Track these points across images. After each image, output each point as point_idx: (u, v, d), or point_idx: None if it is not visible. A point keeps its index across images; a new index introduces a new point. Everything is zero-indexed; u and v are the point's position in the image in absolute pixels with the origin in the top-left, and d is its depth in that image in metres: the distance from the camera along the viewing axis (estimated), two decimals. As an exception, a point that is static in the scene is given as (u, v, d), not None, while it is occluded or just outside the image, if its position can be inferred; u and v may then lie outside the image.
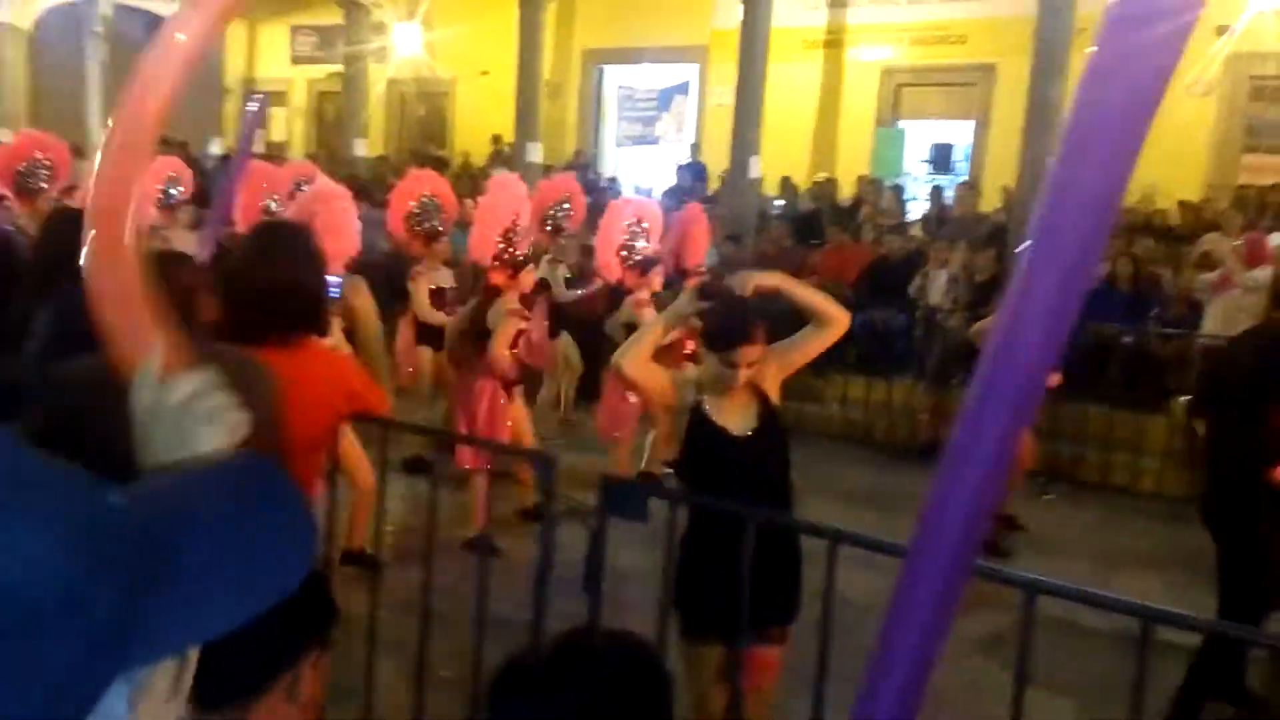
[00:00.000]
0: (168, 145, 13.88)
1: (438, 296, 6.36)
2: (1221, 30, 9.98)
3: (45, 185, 6.97)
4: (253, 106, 5.00)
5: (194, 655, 0.82)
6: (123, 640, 0.62)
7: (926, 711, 2.52)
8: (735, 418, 2.95)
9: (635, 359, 3.00)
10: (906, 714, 1.13)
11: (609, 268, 6.09)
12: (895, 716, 1.13)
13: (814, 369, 7.84)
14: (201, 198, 8.26)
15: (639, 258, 6.08)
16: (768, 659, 2.94)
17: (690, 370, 2.97)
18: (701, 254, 6.71)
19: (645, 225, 6.14)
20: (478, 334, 5.11)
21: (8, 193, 6.71)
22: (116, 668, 0.63)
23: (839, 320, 3.07)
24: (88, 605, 0.59)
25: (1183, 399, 7.49)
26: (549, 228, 7.02)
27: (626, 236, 6.08)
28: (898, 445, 7.78)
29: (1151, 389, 7.78)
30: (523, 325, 5.14)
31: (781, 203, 11.58)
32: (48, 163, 7.04)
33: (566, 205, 7.11)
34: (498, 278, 5.14)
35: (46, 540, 0.58)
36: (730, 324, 2.94)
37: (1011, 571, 2.60)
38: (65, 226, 3.40)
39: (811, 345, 3.12)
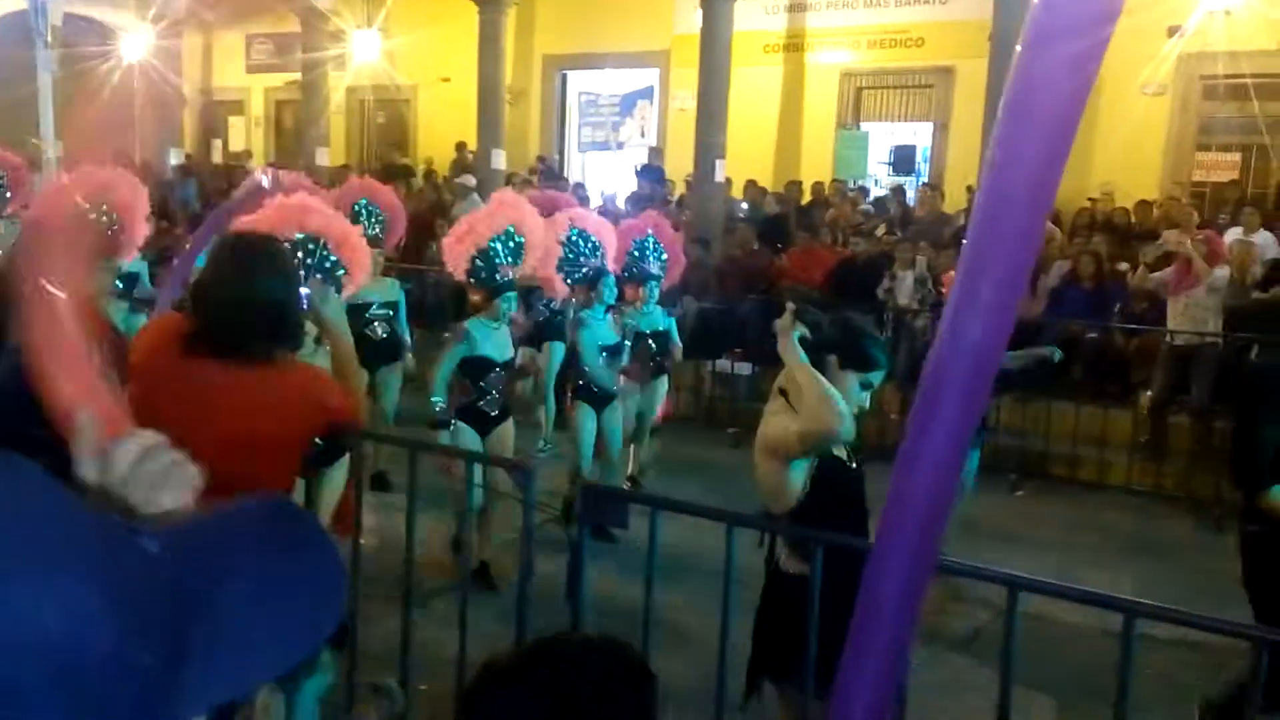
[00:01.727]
0: (120, 159, 13.71)
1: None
2: (1173, 31, 10.16)
3: (6, 199, 6.79)
4: (262, 179, 4.71)
5: None
6: (165, 699, 0.58)
7: (909, 709, 2.53)
8: (843, 450, 2.85)
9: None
10: (881, 710, 1.13)
11: (549, 283, 5.84)
12: (872, 712, 1.13)
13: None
14: (160, 210, 8.12)
15: (585, 271, 5.78)
16: None
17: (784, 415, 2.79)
18: (677, 269, 6.42)
19: (593, 238, 5.88)
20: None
21: None
22: None
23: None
24: (132, 663, 0.55)
25: (1147, 394, 7.64)
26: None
27: (566, 249, 5.78)
28: (868, 444, 7.81)
29: (1117, 384, 7.91)
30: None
31: (746, 206, 11.62)
32: (2, 177, 6.86)
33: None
34: (474, 296, 4.97)
35: (91, 594, 0.54)
36: (874, 348, 2.89)
37: (992, 568, 2.61)
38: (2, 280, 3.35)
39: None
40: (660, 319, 6.15)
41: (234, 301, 2.49)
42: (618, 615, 4.33)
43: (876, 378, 2.86)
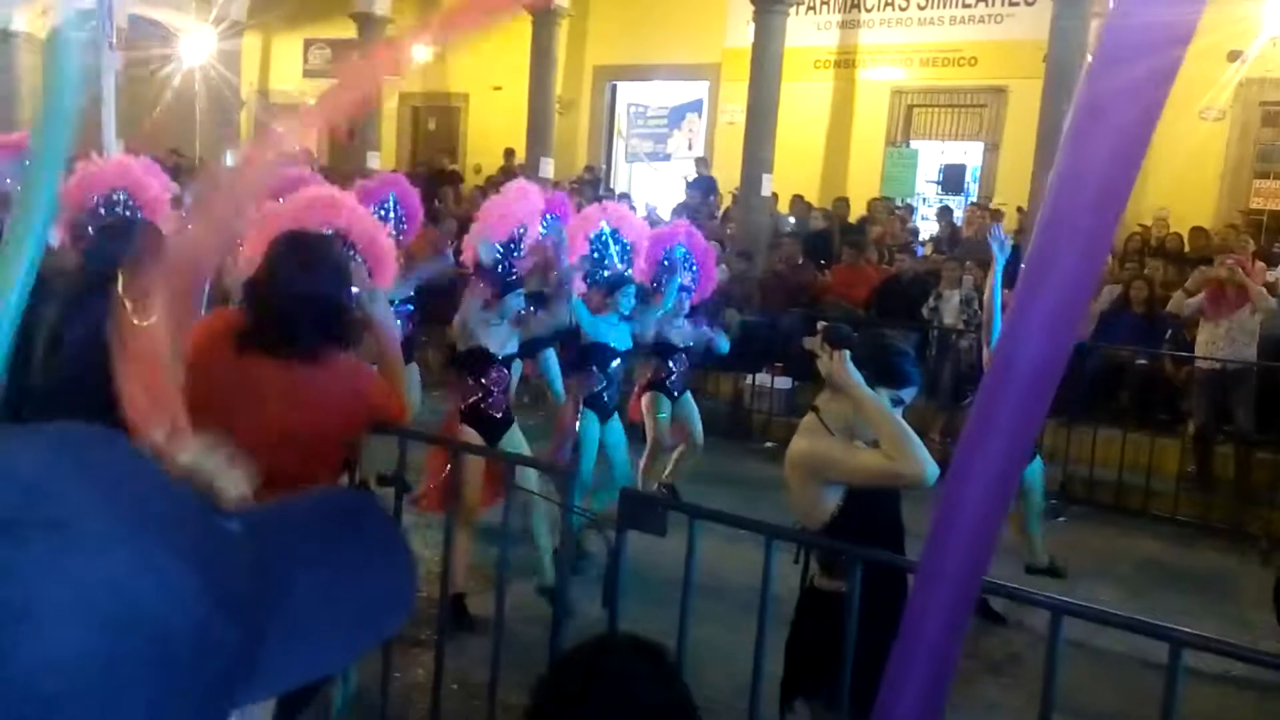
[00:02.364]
0: (179, 157, 14.01)
1: None
2: (1234, 56, 10.00)
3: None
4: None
5: None
6: (247, 679, 0.59)
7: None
8: None
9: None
10: None
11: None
12: None
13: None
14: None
15: (606, 274, 5.55)
16: None
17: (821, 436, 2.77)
18: (709, 284, 6.29)
19: (626, 241, 5.67)
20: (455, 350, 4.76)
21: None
22: (232, 707, 0.60)
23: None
24: (219, 642, 0.56)
25: (1193, 423, 7.50)
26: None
27: (594, 248, 5.56)
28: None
29: (1165, 412, 7.77)
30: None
31: (794, 221, 11.59)
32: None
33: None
34: (481, 286, 4.77)
35: (186, 570, 0.54)
36: (906, 363, 2.87)
37: (1036, 593, 2.57)
38: (104, 239, 3.44)
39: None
40: (686, 333, 5.99)
41: (288, 298, 2.53)
42: (650, 626, 4.33)
43: (909, 394, 2.82)
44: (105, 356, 3.41)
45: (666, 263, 5.95)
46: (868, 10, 12.51)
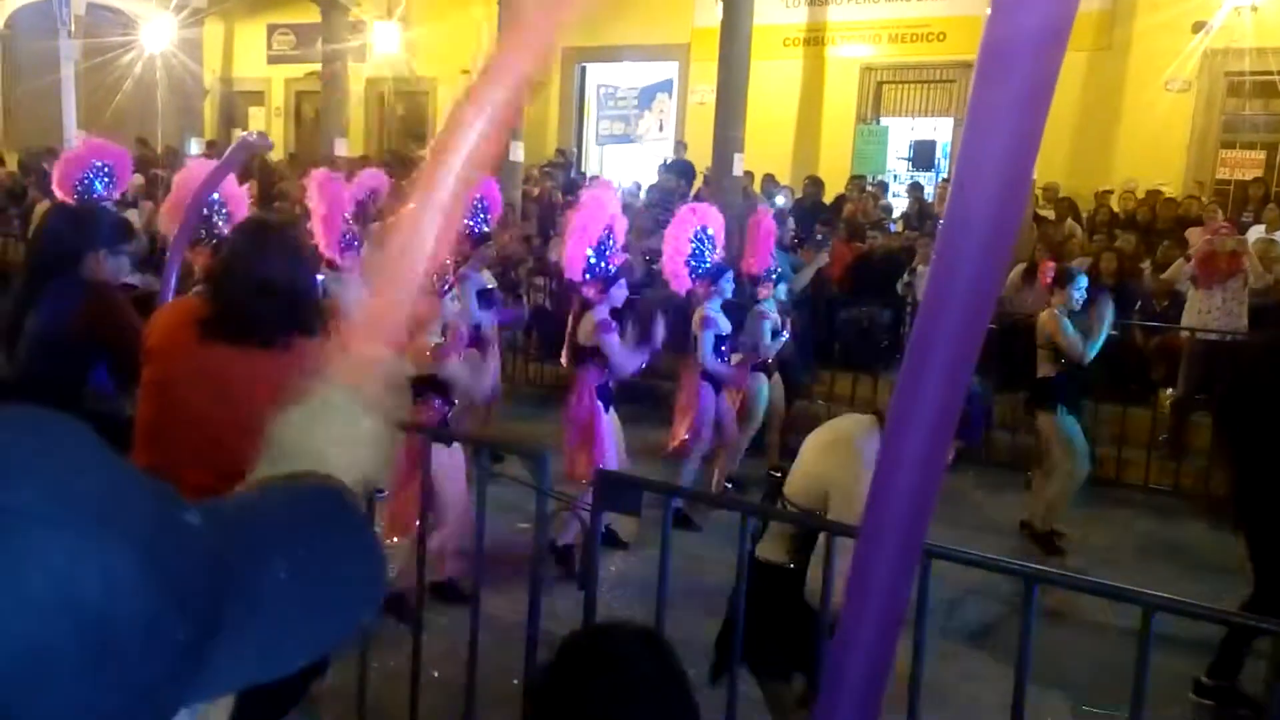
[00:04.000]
0: (143, 145, 13.80)
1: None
2: (1198, 27, 10.06)
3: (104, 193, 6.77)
4: (250, 137, 4.78)
5: None
6: (195, 675, 0.58)
7: (922, 701, 2.52)
8: None
9: None
10: (872, 707, 1.12)
11: (678, 277, 5.94)
12: (862, 709, 1.12)
13: (801, 365, 7.82)
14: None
15: (709, 266, 5.96)
16: None
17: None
18: (766, 259, 6.59)
19: (711, 233, 6.02)
20: (575, 350, 5.22)
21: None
22: (182, 703, 0.59)
23: None
24: (166, 636, 0.55)
25: (1169, 391, 7.57)
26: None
27: (694, 244, 5.93)
28: (884, 441, 7.78)
29: (1135, 382, 7.83)
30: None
31: (780, 200, 11.57)
32: (109, 167, 6.80)
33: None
34: (588, 291, 5.18)
35: (134, 562, 0.54)
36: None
37: (1011, 561, 2.59)
38: (60, 224, 3.36)
39: None
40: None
41: (250, 286, 2.49)
42: (630, 611, 4.32)
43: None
44: (68, 343, 3.34)
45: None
46: (835, -13, 12.49)
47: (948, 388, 1.06)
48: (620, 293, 5.26)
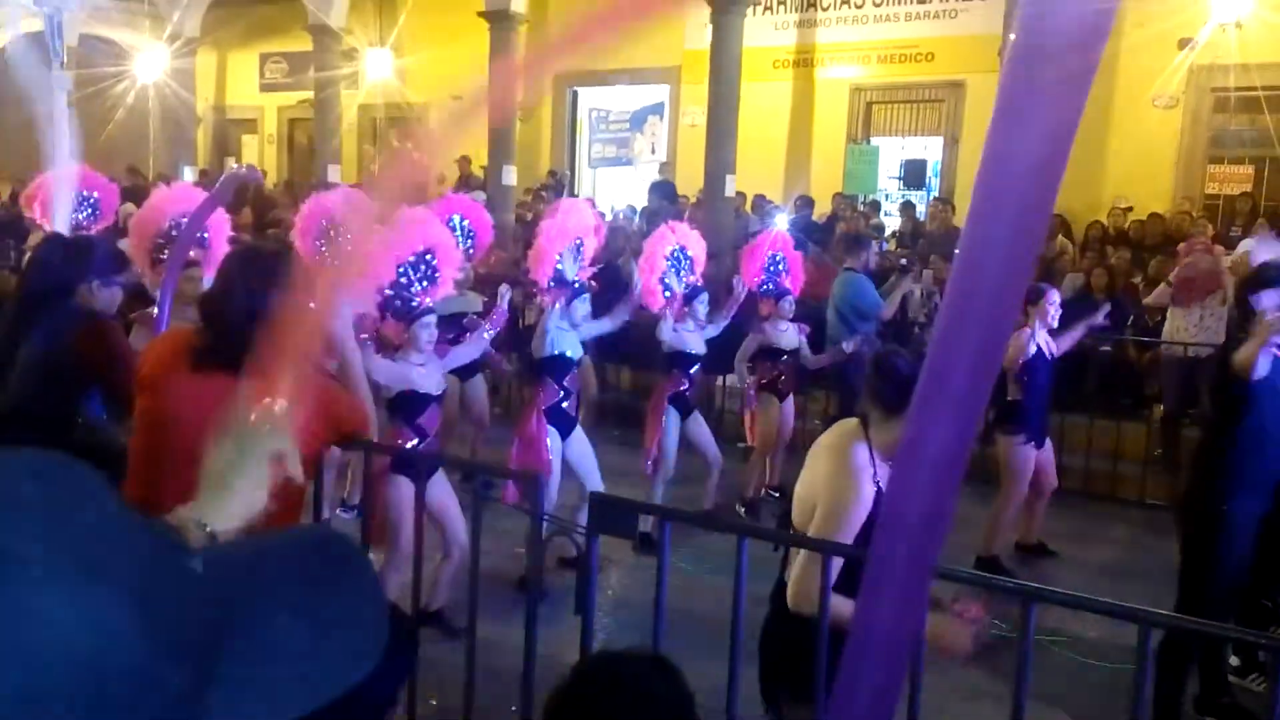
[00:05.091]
0: (135, 174, 13.82)
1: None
2: (1184, 43, 10.15)
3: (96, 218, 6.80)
4: (240, 170, 4.86)
5: None
6: None
7: (921, 717, 2.51)
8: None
9: None
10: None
11: (651, 295, 5.95)
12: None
13: (795, 386, 7.84)
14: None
15: (687, 286, 5.98)
16: None
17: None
18: (759, 275, 6.64)
19: (691, 255, 6.03)
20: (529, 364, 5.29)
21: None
22: None
23: None
24: (158, 685, 0.55)
25: (1160, 406, 7.59)
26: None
27: (669, 263, 5.94)
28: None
29: (1129, 397, 7.85)
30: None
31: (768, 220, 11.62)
32: (93, 197, 6.82)
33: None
34: (547, 298, 5.27)
35: (127, 612, 0.54)
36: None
37: (1007, 580, 2.58)
38: (53, 254, 3.37)
39: None
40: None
41: (242, 314, 2.49)
42: (625, 629, 4.31)
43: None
44: (61, 372, 3.34)
45: (771, 269, 6.56)
46: (824, 9, 12.59)
47: (965, 419, 1.07)
48: (583, 307, 5.27)
